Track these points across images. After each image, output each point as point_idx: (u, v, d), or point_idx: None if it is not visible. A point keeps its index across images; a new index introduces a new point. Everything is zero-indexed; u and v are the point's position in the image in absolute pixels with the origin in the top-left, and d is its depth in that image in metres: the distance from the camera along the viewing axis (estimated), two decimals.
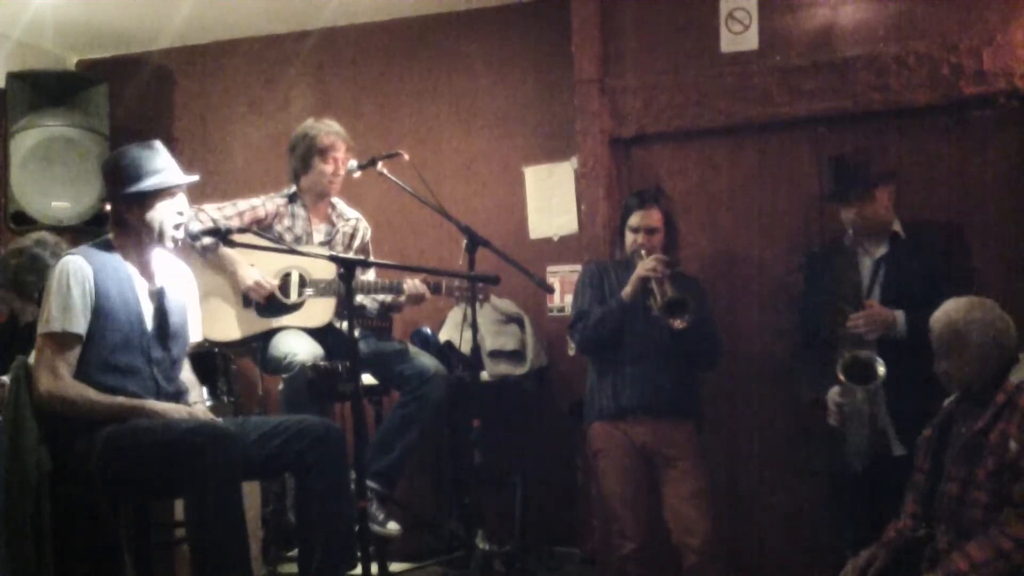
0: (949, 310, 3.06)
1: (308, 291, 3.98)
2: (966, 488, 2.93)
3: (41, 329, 3.05)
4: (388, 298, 4.05)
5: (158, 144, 3.29)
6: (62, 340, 3.04)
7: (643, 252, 3.82)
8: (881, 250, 3.73)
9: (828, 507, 4.07)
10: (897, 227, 3.74)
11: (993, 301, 3.07)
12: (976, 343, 2.97)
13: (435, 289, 3.96)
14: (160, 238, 3.19)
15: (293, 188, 4.13)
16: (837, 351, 3.56)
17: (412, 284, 3.94)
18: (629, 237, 3.90)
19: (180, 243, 3.26)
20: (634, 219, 3.89)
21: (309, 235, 4.11)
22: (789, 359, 4.15)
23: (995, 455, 2.86)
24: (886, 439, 3.59)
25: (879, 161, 3.80)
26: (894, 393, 3.56)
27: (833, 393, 3.65)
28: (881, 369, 3.47)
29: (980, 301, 3.06)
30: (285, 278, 4.01)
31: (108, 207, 3.29)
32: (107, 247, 3.20)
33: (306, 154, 4.08)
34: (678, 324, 3.64)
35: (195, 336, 3.46)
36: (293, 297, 4.00)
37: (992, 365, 2.97)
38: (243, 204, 4.05)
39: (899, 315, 3.54)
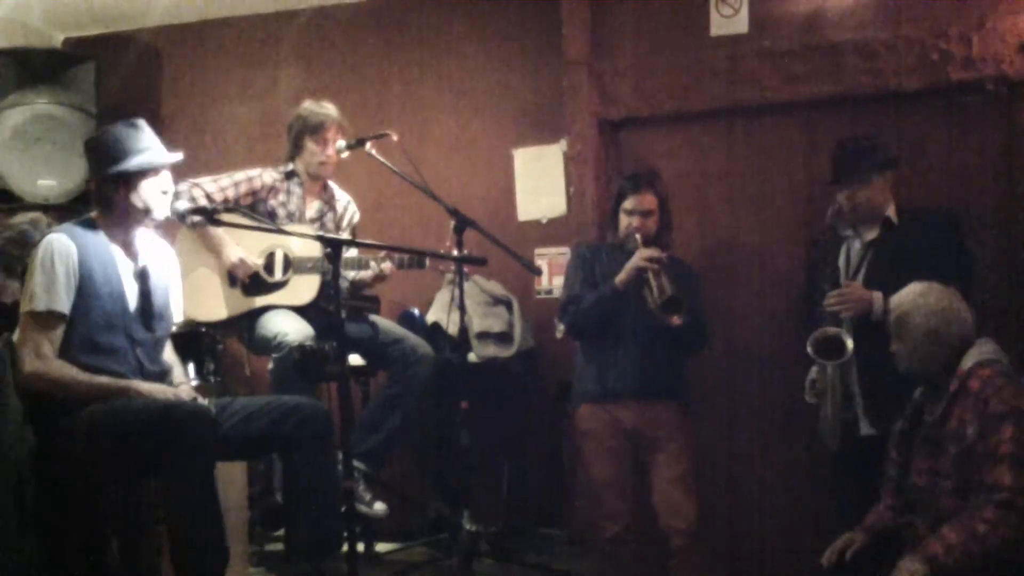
0: (904, 293, 3.12)
1: (292, 270, 3.97)
2: (934, 478, 2.97)
3: (25, 307, 3.03)
4: (355, 275, 4.05)
5: (142, 123, 3.27)
6: (46, 319, 3.02)
7: (638, 236, 3.81)
8: (872, 234, 3.73)
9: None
10: (891, 212, 3.72)
11: (951, 290, 3.09)
12: (921, 328, 3.03)
13: (408, 264, 3.95)
14: (146, 216, 3.18)
15: (291, 166, 4.13)
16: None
17: (373, 262, 3.94)
18: (623, 220, 3.89)
19: (164, 221, 3.25)
20: (629, 202, 3.88)
21: (302, 213, 4.11)
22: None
23: (955, 442, 2.91)
24: (857, 419, 3.64)
25: (883, 148, 3.77)
26: (867, 373, 3.60)
27: (811, 372, 3.71)
28: (849, 344, 3.51)
29: (937, 289, 3.09)
30: (269, 257, 4.01)
31: (92, 186, 3.28)
32: (91, 226, 3.19)
33: (299, 135, 4.09)
34: (676, 321, 3.65)
35: (177, 317, 3.45)
36: (277, 276, 3.99)
37: (934, 353, 3.01)
38: (239, 175, 4.04)
39: (877, 296, 3.54)
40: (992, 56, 4.07)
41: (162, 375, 3.28)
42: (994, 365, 2.94)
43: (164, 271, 3.37)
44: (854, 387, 3.63)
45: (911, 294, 3.10)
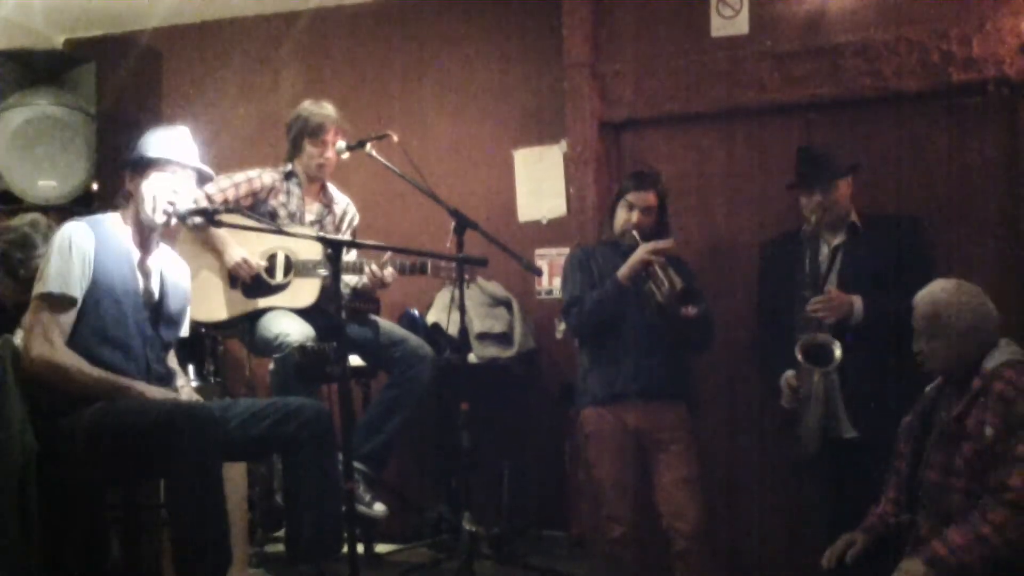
0: (935, 291, 3.06)
1: (294, 272, 3.97)
2: (945, 475, 2.94)
3: (37, 290, 3.03)
4: (356, 280, 4.05)
5: (183, 129, 3.32)
6: (58, 302, 3.02)
7: (635, 233, 3.80)
8: (838, 239, 3.78)
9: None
10: (854, 217, 3.79)
11: (978, 287, 3.07)
12: (957, 326, 2.98)
13: (410, 270, 3.94)
14: (151, 212, 3.17)
15: (289, 167, 4.13)
16: (796, 335, 3.61)
17: (374, 268, 3.93)
18: (622, 215, 3.88)
19: (170, 223, 3.25)
20: (631, 196, 3.87)
21: (302, 214, 4.11)
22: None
23: (972, 441, 2.87)
24: (838, 422, 3.65)
25: (843, 154, 3.86)
26: (847, 377, 3.61)
27: (788, 376, 3.71)
28: (838, 352, 3.52)
29: (966, 285, 3.06)
30: (271, 259, 4.01)
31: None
32: (111, 221, 3.21)
33: (298, 136, 4.09)
34: (692, 312, 3.63)
35: (183, 332, 3.45)
36: (279, 278, 3.99)
37: (971, 350, 2.97)
38: (239, 176, 4.04)
39: (857, 301, 3.59)
40: (993, 57, 4.07)
41: (167, 378, 3.29)
42: (1020, 367, 2.91)
43: (180, 283, 3.38)
44: (835, 391, 3.64)
45: (944, 292, 3.04)
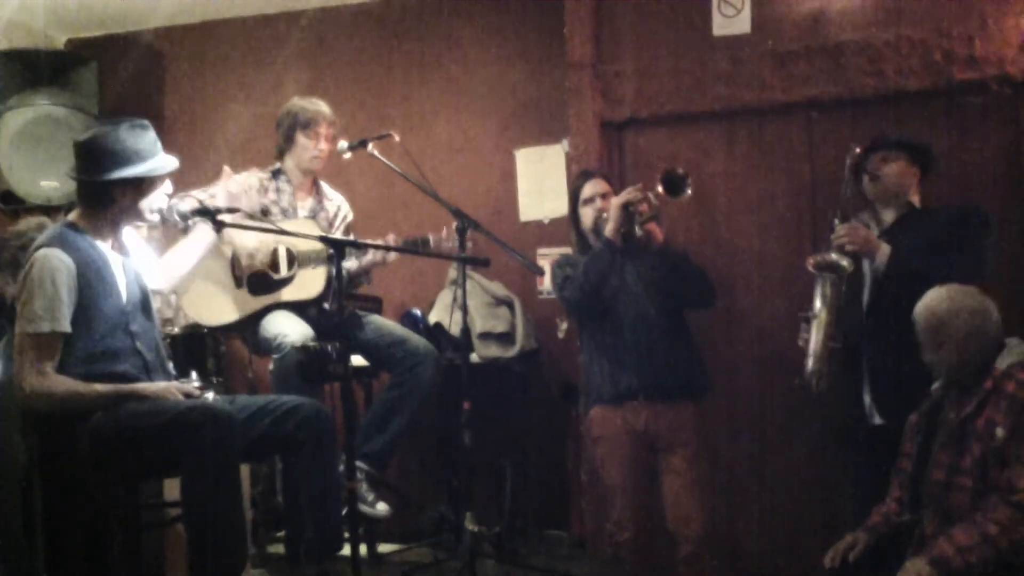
0: (931, 301, 3.05)
1: (298, 265, 3.98)
2: (952, 475, 2.93)
3: (25, 328, 2.97)
4: (356, 265, 4.04)
5: (148, 124, 3.24)
6: (49, 340, 2.98)
7: (605, 216, 3.79)
8: (890, 217, 3.68)
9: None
10: (914, 198, 3.69)
11: (975, 288, 3.07)
12: (959, 332, 2.97)
13: (411, 246, 3.94)
14: (143, 219, 3.18)
15: (278, 165, 4.14)
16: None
17: (379, 242, 3.93)
18: (588, 213, 3.87)
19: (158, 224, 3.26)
20: (587, 190, 3.88)
21: (294, 209, 4.12)
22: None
23: (981, 441, 2.87)
24: (865, 409, 3.59)
25: (924, 141, 3.78)
26: (873, 363, 3.56)
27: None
28: (845, 263, 3.52)
29: (961, 289, 3.05)
30: (273, 254, 4.01)
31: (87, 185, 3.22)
32: (77, 231, 3.15)
33: (289, 130, 4.11)
34: (688, 195, 3.66)
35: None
36: (283, 272, 4.00)
37: (977, 353, 2.97)
38: (231, 184, 4.06)
39: (885, 247, 3.50)
40: (995, 56, 4.07)
41: (163, 364, 3.27)
42: None
43: (139, 260, 3.37)
44: (864, 378, 3.59)
45: (940, 301, 3.03)
